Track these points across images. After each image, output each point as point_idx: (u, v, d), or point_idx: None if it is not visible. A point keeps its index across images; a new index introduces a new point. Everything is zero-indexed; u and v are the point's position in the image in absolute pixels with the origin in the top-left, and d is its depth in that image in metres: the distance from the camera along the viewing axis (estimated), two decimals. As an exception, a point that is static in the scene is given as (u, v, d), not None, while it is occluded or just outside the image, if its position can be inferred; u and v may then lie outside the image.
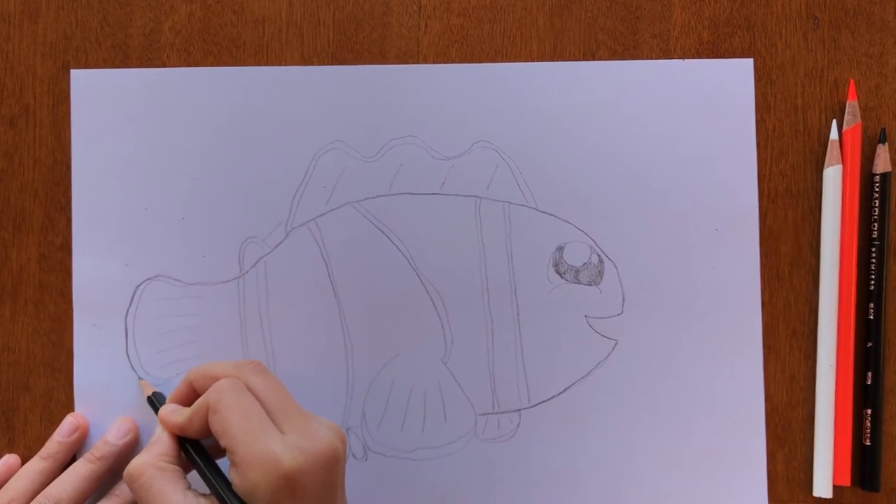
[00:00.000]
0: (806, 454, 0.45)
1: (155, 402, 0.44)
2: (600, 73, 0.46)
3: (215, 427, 0.38)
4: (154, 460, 0.39)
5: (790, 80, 0.46)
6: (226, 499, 0.37)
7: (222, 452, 0.39)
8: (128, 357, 0.46)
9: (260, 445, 0.36)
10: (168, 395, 0.43)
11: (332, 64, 0.47)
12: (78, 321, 0.46)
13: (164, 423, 0.41)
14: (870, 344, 0.45)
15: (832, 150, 0.45)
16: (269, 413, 0.38)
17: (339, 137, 0.46)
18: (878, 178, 0.45)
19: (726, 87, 0.46)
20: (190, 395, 0.41)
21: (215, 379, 0.39)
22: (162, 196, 0.47)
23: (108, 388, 0.46)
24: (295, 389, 0.45)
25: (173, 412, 0.41)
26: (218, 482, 0.38)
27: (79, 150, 0.47)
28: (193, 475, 0.40)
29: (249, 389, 0.38)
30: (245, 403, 0.38)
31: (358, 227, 0.46)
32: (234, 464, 0.37)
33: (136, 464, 0.39)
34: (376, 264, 0.46)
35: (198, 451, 0.40)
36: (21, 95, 0.47)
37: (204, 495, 0.38)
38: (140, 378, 0.46)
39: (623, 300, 0.46)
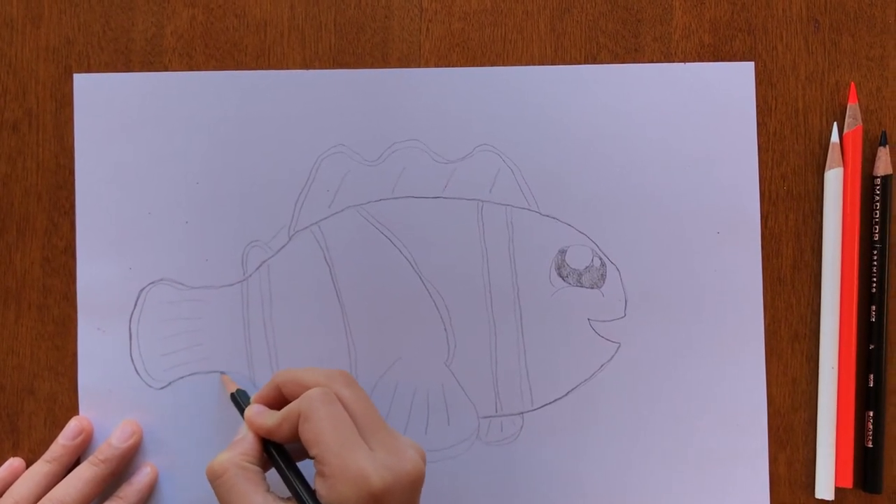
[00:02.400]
0: (808, 456, 0.46)
1: (238, 400, 0.43)
2: (602, 77, 0.46)
3: (306, 435, 0.38)
4: (237, 459, 0.39)
5: (791, 83, 0.46)
6: None
7: (302, 458, 0.40)
8: (132, 360, 0.46)
9: (351, 461, 0.36)
10: (248, 392, 0.44)
11: (333, 68, 0.47)
12: (82, 325, 0.47)
13: (251, 425, 0.40)
14: (871, 346, 0.45)
15: (833, 153, 0.46)
16: (357, 427, 0.38)
17: (342, 141, 0.46)
18: (879, 181, 0.45)
19: (727, 90, 0.46)
20: (276, 398, 0.41)
21: (305, 385, 0.39)
22: (165, 200, 0.47)
23: (113, 391, 0.46)
24: (298, 393, 0.46)
25: (261, 414, 0.41)
26: (301, 488, 0.38)
27: (82, 154, 0.47)
28: (271, 476, 0.40)
29: (339, 401, 0.38)
30: (337, 416, 0.38)
31: (361, 231, 0.46)
32: (321, 474, 0.37)
33: (219, 461, 0.39)
34: (379, 268, 0.46)
35: (281, 454, 0.40)
36: (24, 100, 0.47)
37: (283, 499, 0.38)
38: (221, 373, 0.46)
39: (626, 303, 0.46)
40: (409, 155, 0.46)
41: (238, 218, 0.46)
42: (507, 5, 0.47)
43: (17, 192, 0.47)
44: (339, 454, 0.36)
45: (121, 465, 0.45)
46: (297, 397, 0.39)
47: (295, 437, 0.39)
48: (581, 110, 0.46)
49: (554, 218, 0.46)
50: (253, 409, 0.41)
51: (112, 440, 0.45)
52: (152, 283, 0.47)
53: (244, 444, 0.40)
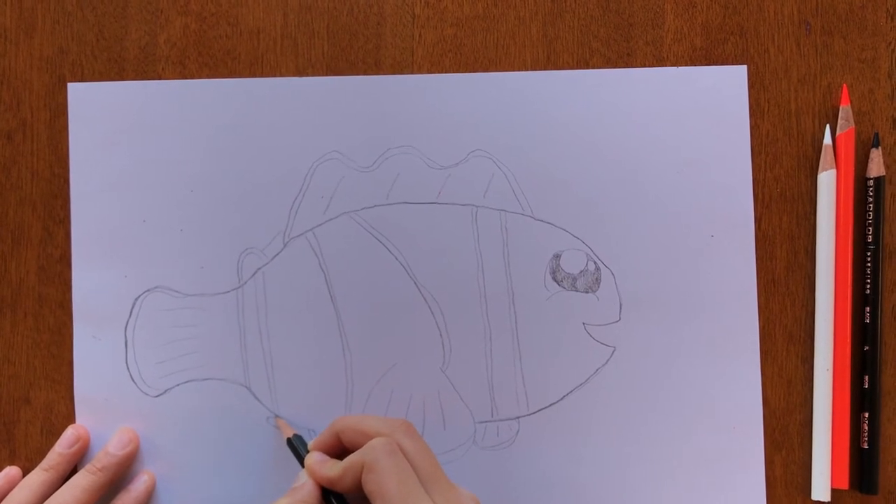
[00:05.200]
0: (804, 458, 0.46)
1: (295, 445, 0.43)
2: (594, 82, 0.46)
3: (370, 487, 0.37)
4: None
5: (783, 86, 0.46)
6: None
7: None
8: (127, 368, 0.46)
9: None
10: (303, 436, 0.44)
11: (327, 75, 0.47)
12: (78, 333, 0.47)
13: (313, 474, 0.40)
14: (867, 347, 0.45)
15: (826, 155, 0.46)
16: (419, 478, 0.38)
17: (336, 148, 0.47)
18: (871, 183, 0.45)
19: (720, 93, 0.46)
20: (335, 445, 0.41)
21: (365, 434, 0.39)
22: (160, 208, 0.47)
23: (109, 399, 0.46)
24: (294, 400, 0.46)
25: (322, 463, 0.40)
26: None
27: (76, 163, 0.47)
28: None
29: (401, 451, 0.38)
30: (402, 468, 0.37)
31: (356, 237, 0.46)
32: None
33: None
34: (374, 274, 0.46)
35: None
36: (18, 109, 0.47)
37: None
38: (276, 416, 0.46)
39: (620, 307, 0.46)
40: (403, 161, 0.46)
41: (233, 225, 0.47)
42: (499, 11, 0.47)
43: (11, 202, 0.47)
44: None
45: (118, 473, 0.45)
46: (357, 445, 0.39)
47: (357, 487, 0.38)
48: (574, 115, 0.46)
49: (548, 223, 0.46)
50: (314, 458, 0.41)
51: (109, 448, 0.45)
52: (147, 291, 0.47)
53: (303, 492, 0.40)
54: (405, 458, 0.38)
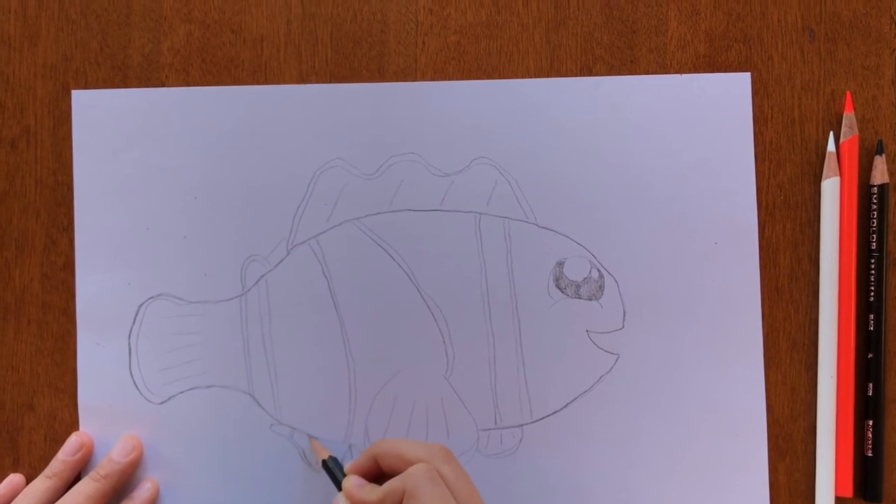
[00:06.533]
0: (808, 465, 0.46)
1: (331, 467, 0.43)
2: (598, 89, 0.46)
3: None
4: None
5: (787, 93, 0.46)
6: None
7: None
8: (131, 375, 0.47)
9: None
10: (337, 457, 0.44)
11: (330, 82, 0.47)
12: (81, 340, 0.47)
13: (352, 498, 0.40)
14: (870, 355, 0.45)
15: (829, 162, 0.46)
16: None
17: (339, 155, 0.47)
18: (875, 190, 0.45)
19: (724, 101, 0.46)
20: (371, 469, 0.41)
21: (404, 459, 0.39)
22: (163, 215, 0.47)
23: (112, 406, 0.46)
24: (297, 407, 0.46)
25: (362, 487, 0.40)
26: None
27: (80, 171, 0.47)
28: None
29: (442, 478, 0.38)
30: (443, 496, 0.37)
31: (359, 244, 0.46)
32: None
33: None
34: (377, 281, 0.46)
35: None
36: (22, 117, 0.47)
37: None
38: (311, 437, 0.46)
39: (624, 314, 0.46)
40: (406, 168, 0.46)
41: (236, 232, 0.47)
42: (502, 18, 0.47)
43: (15, 209, 0.47)
44: None
45: (122, 481, 0.45)
46: (395, 471, 0.39)
47: None
48: (577, 122, 0.46)
49: (552, 230, 0.46)
50: (353, 482, 0.41)
51: (113, 455, 0.45)
52: (151, 298, 0.47)
53: None
54: (446, 487, 0.38)
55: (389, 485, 0.39)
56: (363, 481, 0.41)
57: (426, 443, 0.40)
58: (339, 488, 0.42)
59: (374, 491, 0.39)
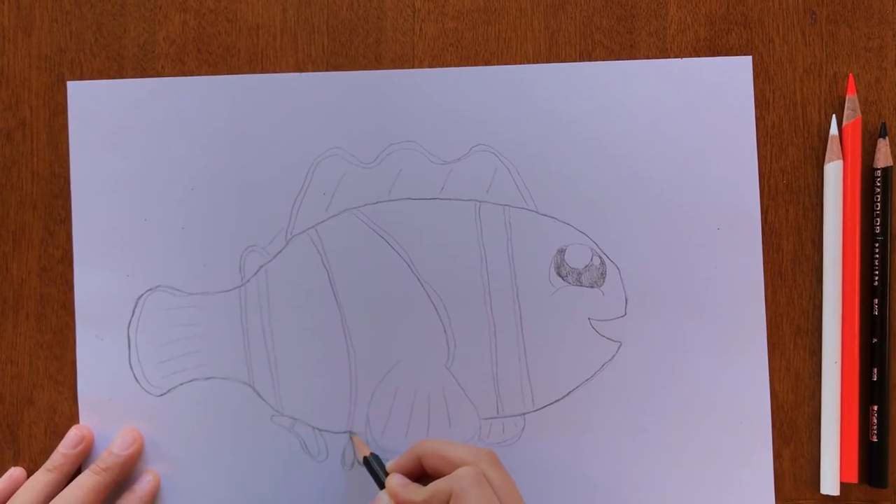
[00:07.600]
0: (812, 452, 0.45)
1: (373, 465, 0.43)
2: (598, 74, 0.46)
3: None
4: None
5: (789, 76, 0.46)
6: None
7: None
8: (131, 368, 0.46)
9: None
10: (380, 456, 0.44)
11: (327, 70, 0.47)
12: (80, 333, 0.46)
13: (396, 497, 0.40)
14: (875, 340, 0.45)
15: (832, 146, 0.45)
16: None
17: (338, 144, 0.46)
18: (879, 173, 0.45)
19: (725, 85, 0.46)
20: (414, 469, 0.41)
21: (449, 461, 0.39)
22: (161, 206, 0.46)
23: (112, 399, 0.46)
24: (298, 397, 0.46)
25: (406, 487, 0.40)
26: None
27: (77, 162, 0.47)
28: None
29: (488, 482, 0.38)
30: (490, 500, 0.37)
31: (358, 234, 0.46)
32: None
33: None
34: (377, 270, 0.46)
35: None
36: (17, 109, 0.47)
37: None
38: (352, 433, 0.46)
39: (626, 302, 0.45)
40: (405, 156, 0.46)
41: (235, 223, 0.46)
42: (500, 3, 0.46)
43: (12, 202, 0.47)
44: None
45: (122, 473, 0.45)
46: (439, 472, 0.39)
47: None
48: (577, 108, 0.46)
49: (552, 217, 0.46)
50: (396, 480, 0.41)
51: (113, 448, 0.45)
52: (150, 290, 0.46)
53: None
54: (492, 490, 0.38)
55: (435, 485, 0.38)
56: (407, 481, 0.40)
57: (472, 446, 0.40)
58: (380, 486, 0.42)
59: (419, 491, 0.39)
